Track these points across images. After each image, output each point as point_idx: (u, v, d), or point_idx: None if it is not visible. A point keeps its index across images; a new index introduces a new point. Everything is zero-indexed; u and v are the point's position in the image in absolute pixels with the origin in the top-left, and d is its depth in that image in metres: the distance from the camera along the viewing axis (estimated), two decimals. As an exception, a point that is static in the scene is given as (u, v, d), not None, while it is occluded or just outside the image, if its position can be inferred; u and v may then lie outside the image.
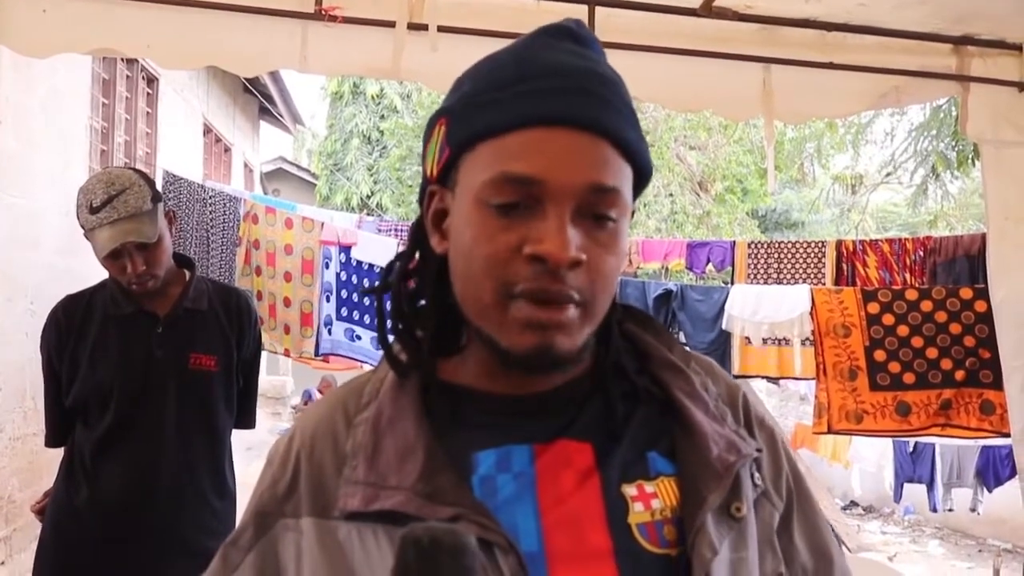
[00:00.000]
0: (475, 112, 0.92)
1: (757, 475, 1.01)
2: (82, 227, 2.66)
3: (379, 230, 8.08)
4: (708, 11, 3.22)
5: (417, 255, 1.03)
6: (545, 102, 0.89)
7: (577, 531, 0.91)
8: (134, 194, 2.63)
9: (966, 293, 5.19)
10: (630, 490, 0.94)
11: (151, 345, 2.73)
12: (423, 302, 1.02)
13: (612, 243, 0.92)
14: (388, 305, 1.03)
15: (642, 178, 0.97)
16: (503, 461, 0.94)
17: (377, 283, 1.04)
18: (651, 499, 0.94)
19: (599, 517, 0.92)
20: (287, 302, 6.03)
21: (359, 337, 6.11)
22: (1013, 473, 5.60)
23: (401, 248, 1.06)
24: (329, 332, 6.11)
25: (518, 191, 0.88)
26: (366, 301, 5.95)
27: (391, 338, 1.02)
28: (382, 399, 0.99)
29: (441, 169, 0.96)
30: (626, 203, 0.92)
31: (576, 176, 0.88)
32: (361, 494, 0.92)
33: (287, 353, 6.19)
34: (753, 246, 8.28)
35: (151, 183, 2.74)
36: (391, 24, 3.01)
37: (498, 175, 0.89)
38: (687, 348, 1.10)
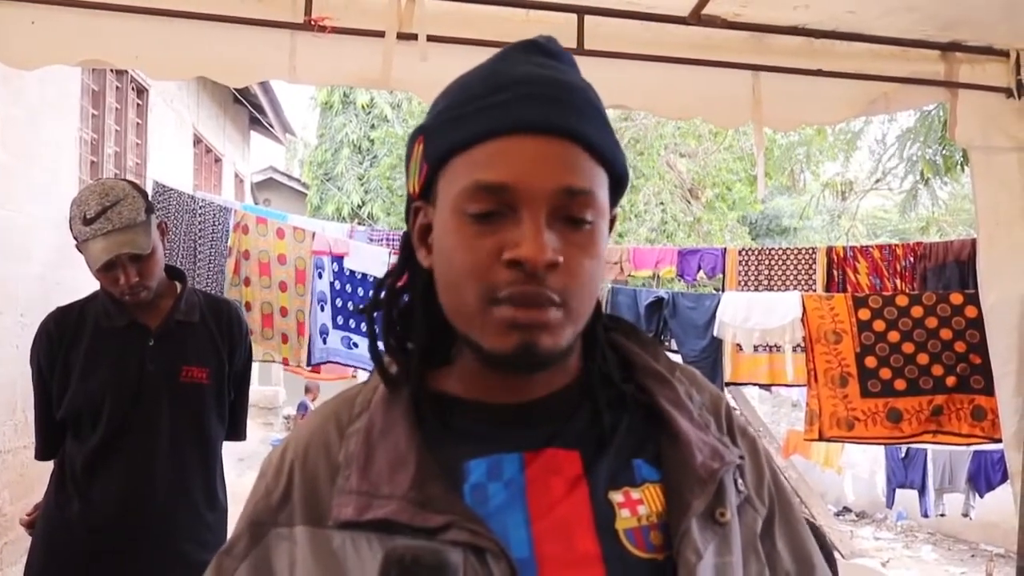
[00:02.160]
0: (447, 127, 0.95)
1: (740, 482, 1.04)
2: (75, 239, 2.65)
3: (371, 239, 8.06)
4: (697, 19, 3.23)
5: (406, 271, 1.05)
6: (512, 111, 0.91)
7: (566, 537, 0.94)
8: (128, 206, 2.62)
9: (956, 298, 5.21)
10: (617, 496, 0.97)
11: (143, 358, 2.72)
12: (414, 316, 1.04)
13: (589, 245, 0.93)
14: (379, 320, 1.05)
15: (619, 183, 0.99)
16: (494, 469, 0.96)
17: (371, 295, 1.06)
18: (637, 505, 0.97)
19: (587, 523, 0.95)
20: (283, 311, 6.03)
21: (356, 345, 6.14)
22: (1005, 478, 5.60)
23: (393, 258, 1.08)
24: (324, 341, 6.12)
25: (492, 199, 0.90)
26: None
27: (382, 351, 1.04)
28: (374, 410, 1.01)
29: (422, 185, 0.99)
30: (601, 205, 0.94)
31: (546, 180, 0.90)
32: (354, 503, 0.94)
33: (285, 362, 6.20)
34: (744, 253, 8.28)
35: (144, 195, 2.73)
36: (380, 34, 3.02)
37: (471, 184, 0.91)
38: (671, 357, 1.12)
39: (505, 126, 0.91)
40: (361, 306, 5.89)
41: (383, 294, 1.05)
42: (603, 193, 0.95)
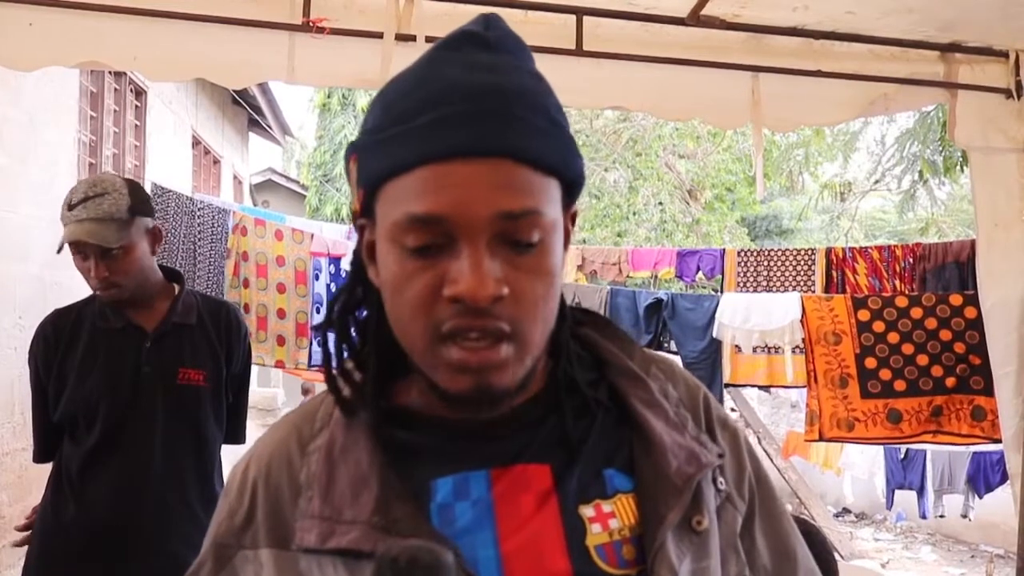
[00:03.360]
0: (377, 150, 0.89)
1: (721, 479, 1.01)
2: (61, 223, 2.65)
3: (369, 241, 8.05)
4: (696, 20, 3.22)
5: (359, 289, 1.01)
6: (439, 137, 0.85)
7: (536, 557, 0.91)
8: (111, 199, 2.60)
9: (956, 299, 5.21)
10: (587, 511, 0.94)
11: (139, 360, 2.70)
12: (368, 335, 1.00)
13: (538, 266, 0.88)
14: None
15: (573, 183, 0.93)
16: (460, 488, 0.93)
17: (324, 313, 1.02)
18: (609, 519, 0.94)
19: (558, 541, 0.92)
20: (281, 313, 6.02)
21: (349, 350, 6.11)
22: (1004, 479, 5.62)
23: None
24: (318, 344, 6.09)
25: (427, 232, 0.85)
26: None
27: (336, 373, 1.00)
28: (334, 426, 0.98)
29: (362, 205, 0.94)
30: (550, 221, 0.89)
31: (480, 208, 0.84)
32: (317, 529, 0.91)
33: (279, 364, 6.18)
34: (743, 254, 8.28)
35: (139, 197, 2.70)
36: (379, 35, 3.01)
37: (404, 217, 0.86)
38: (647, 351, 1.08)
39: (433, 153, 0.85)
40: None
41: (336, 313, 1.01)
42: (552, 206, 0.89)
